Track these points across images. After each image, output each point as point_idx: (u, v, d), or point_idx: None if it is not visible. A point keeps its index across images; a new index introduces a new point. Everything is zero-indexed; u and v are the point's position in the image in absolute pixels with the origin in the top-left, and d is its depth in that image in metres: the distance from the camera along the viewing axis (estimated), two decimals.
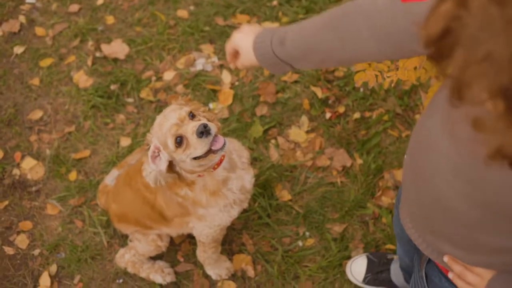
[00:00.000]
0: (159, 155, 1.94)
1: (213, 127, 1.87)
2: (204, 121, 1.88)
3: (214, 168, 2.05)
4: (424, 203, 1.27)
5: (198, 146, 1.86)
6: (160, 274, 2.57)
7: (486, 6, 0.74)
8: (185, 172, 2.01)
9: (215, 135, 1.89)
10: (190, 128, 1.87)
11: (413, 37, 1.16)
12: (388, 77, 2.14)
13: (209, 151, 1.90)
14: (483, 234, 1.18)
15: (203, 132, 1.84)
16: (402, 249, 2.01)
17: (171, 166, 1.98)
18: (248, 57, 1.51)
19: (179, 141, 1.87)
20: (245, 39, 1.50)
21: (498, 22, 0.73)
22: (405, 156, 1.40)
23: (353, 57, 1.37)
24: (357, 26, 1.29)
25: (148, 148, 1.96)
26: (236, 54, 1.60)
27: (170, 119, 1.90)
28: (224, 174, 2.12)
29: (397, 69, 2.14)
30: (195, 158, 1.91)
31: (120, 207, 2.45)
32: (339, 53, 1.37)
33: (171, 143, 1.87)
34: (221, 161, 2.06)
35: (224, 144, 1.91)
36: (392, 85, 2.14)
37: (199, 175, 2.05)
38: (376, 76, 2.14)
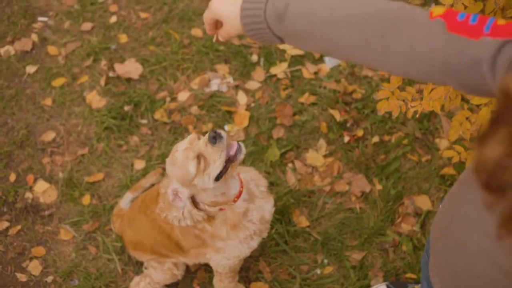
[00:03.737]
0: (178, 196, 1.91)
1: (223, 132, 1.85)
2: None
3: (234, 201, 2.01)
4: (458, 271, 1.21)
5: (215, 157, 1.82)
6: None
7: None
8: (208, 207, 1.97)
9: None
10: (202, 142, 1.84)
11: (446, 72, 1.07)
12: (412, 106, 2.09)
13: (228, 161, 1.86)
14: None
15: (215, 136, 1.81)
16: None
17: (194, 203, 1.94)
18: (233, 26, 1.29)
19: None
20: (227, 6, 1.28)
21: None
22: (436, 218, 1.34)
23: (368, 63, 1.18)
24: (397, 40, 1.10)
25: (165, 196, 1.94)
26: (217, 24, 1.38)
27: (180, 148, 1.87)
28: (245, 206, 2.08)
29: (422, 99, 2.09)
30: (217, 179, 1.86)
31: (136, 234, 2.40)
32: (354, 54, 1.17)
33: (192, 166, 1.82)
34: (240, 192, 2.02)
35: (239, 146, 1.88)
36: (417, 115, 2.09)
37: (221, 209, 2.00)
38: (400, 105, 2.09)
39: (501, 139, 0.78)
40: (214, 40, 1.43)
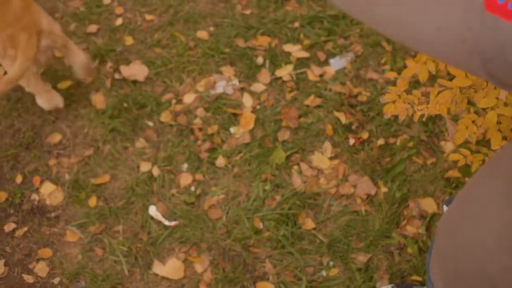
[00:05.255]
0: None
1: None
2: None
3: None
4: (463, 272, 1.22)
5: None
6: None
7: None
8: None
9: None
10: None
11: (474, 48, 1.03)
12: (419, 110, 2.10)
13: None
14: None
15: None
16: None
17: None
18: None
19: None
20: None
21: None
22: (444, 217, 1.34)
23: (399, 21, 1.06)
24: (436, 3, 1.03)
25: None
26: None
27: None
28: None
29: (428, 102, 2.10)
30: None
31: None
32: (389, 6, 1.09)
33: None
34: None
35: None
36: (424, 119, 2.10)
37: None
38: (407, 109, 2.10)
39: None
40: None
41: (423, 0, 1.07)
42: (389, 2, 1.11)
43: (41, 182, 2.89)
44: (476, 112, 2.18)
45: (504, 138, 1.94)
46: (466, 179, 2.71)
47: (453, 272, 1.28)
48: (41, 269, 2.66)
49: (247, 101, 3.06)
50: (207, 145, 2.93)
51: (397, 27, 1.12)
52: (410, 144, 2.85)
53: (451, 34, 1.05)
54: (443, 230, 1.34)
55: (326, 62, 3.17)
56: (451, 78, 1.98)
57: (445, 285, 1.37)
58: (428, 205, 2.71)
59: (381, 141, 2.87)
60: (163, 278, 2.60)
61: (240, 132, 2.95)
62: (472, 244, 1.16)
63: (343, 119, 2.94)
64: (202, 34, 3.33)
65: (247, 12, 3.40)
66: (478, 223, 1.14)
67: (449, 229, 1.29)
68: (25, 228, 2.76)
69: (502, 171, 1.08)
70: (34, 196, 2.84)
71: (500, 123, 1.93)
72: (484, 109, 2.13)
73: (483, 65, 1.04)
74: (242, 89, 3.12)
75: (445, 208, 1.62)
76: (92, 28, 3.41)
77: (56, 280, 2.63)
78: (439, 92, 2.02)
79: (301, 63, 3.17)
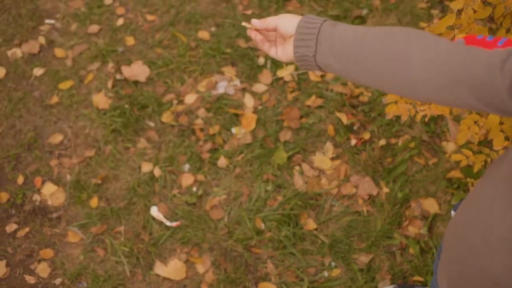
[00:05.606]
0: None
1: None
2: None
3: None
4: (468, 273, 1.22)
5: None
6: None
7: None
8: None
9: None
10: None
11: (460, 78, 1.09)
12: (421, 110, 2.10)
13: None
14: None
15: None
16: None
17: None
18: (286, 26, 1.33)
19: None
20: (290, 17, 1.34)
21: None
22: (453, 215, 1.35)
23: (388, 77, 1.19)
24: (419, 48, 1.14)
25: None
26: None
27: None
28: None
29: (430, 103, 2.10)
30: None
31: None
32: (378, 65, 1.20)
33: None
34: None
35: None
36: (426, 119, 2.10)
37: None
38: (409, 109, 2.10)
39: None
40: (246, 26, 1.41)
41: (409, 47, 1.14)
42: (379, 56, 1.18)
43: (43, 182, 2.88)
44: (478, 113, 2.18)
45: (507, 138, 1.93)
46: (468, 179, 2.70)
47: (457, 274, 1.28)
48: (42, 269, 2.66)
49: (249, 101, 3.06)
50: (208, 145, 2.93)
51: (390, 77, 1.18)
52: (412, 144, 2.85)
53: (439, 69, 1.11)
54: (450, 233, 1.34)
55: None
56: None
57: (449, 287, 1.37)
58: (430, 205, 2.70)
59: (382, 142, 2.87)
60: (164, 278, 2.60)
61: (241, 132, 2.95)
62: (476, 245, 1.16)
63: (344, 119, 2.93)
64: (204, 34, 3.33)
65: (249, 12, 3.40)
66: (482, 224, 1.14)
67: (455, 232, 1.29)
68: (27, 229, 2.76)
69: (504, 172, 1.08)
70: (36, 197, 2.84)
71: (502, 123, 1.92)
72: None
73: (472, 92, 1.08)
74: (243, 90, 3.11)
75: (452, 213, 1.63)
76: (93, 28, 3.41)
77: (57, 281, 2.63)
78: None
79: None
